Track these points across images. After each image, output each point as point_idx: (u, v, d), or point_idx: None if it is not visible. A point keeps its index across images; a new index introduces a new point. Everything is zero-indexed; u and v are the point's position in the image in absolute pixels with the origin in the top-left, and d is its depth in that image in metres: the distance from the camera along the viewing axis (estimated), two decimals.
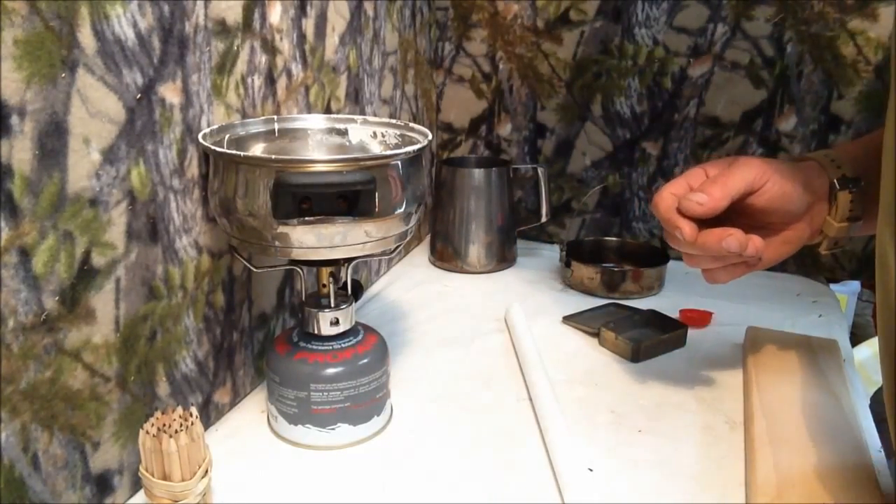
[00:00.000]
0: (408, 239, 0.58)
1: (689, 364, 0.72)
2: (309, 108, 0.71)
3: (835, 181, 0.56)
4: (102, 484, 0.49)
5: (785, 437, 0.55)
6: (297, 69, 0.68)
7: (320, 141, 0.65)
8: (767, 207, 0.55)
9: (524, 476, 0.55)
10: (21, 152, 0.40)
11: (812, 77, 0.90)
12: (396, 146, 0.62)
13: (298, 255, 0.52)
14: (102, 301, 0.47)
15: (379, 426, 0.60)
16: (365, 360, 0.57)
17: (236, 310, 0.63)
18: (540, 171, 0.99)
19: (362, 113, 0.83)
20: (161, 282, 0.53)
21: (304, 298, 0.59)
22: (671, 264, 0.91)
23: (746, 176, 0.54)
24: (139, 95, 0.48)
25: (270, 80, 0.64)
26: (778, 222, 0.57)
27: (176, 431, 0.45)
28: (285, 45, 0.66)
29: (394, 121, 0.64)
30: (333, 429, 0.57)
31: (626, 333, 0.75)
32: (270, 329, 0.68)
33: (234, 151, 0.51)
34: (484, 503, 0.52)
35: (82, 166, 0.44)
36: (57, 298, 0.43)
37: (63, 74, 0.42)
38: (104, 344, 0.47)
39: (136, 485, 0.52)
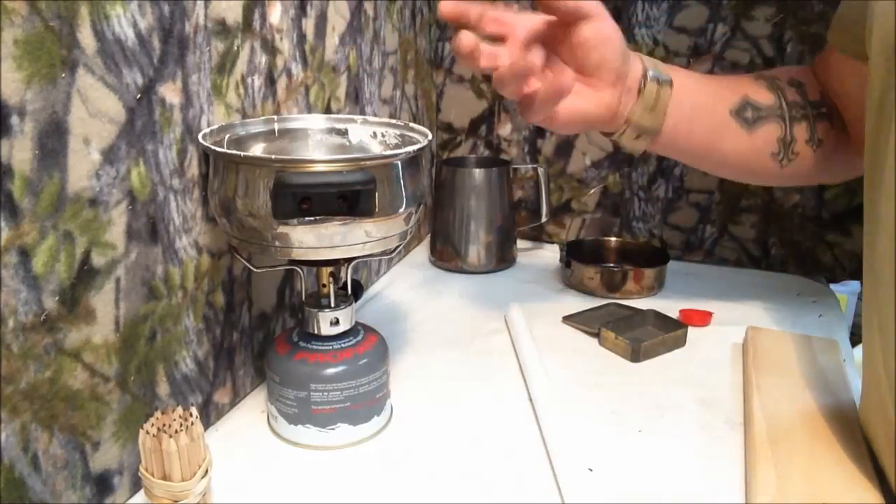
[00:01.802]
0: (408, 239, 0.58)
1: (689, 364, 0.72)
2: (309, 108, 0.71)
3: (647, 69, 0.61)
4: (102, 484, 0.49)
5: (785, 437, 0.55)
6: (297, 69, 0.68)
7: (320, 141, 0.65)
8: (588, 42, 0.57)
9: (524, 476, 0.55)
10: (21, 152, 0.40)
11: None
12: (396, 146, 0.62)
13: (298, 255, 0.52)
14: (102, 301, 0.47)
15: (379, 426, 0.60)
16: (365, 360, 0.57)
17: (236, 310, 0.63)
18: (540, 171, 1.00)
19: (362, 113, 0.83)
20: (161, 282, 0.53)
21: (304, 298, 0.59)
22: (671, 264, 0.91)
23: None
24: (139, 95, 0.48)
25: (270, 80, 0.64)
26: (591, 68, 0.58)
27: (176, 431, 0.45)
28: (285, 45, 0.66)
29: (394, 121, 0.64)
30: (333, 429, 0.57)
31: (626, 333, 0.75)
32: (270, 329, 0.68)
33: (234, 151, 0.51)
34: (484, 503, 0.52)
35: (82, 166, 0.44)
36: (57, 298, 0.43)
37: (63, 74, 0.42)
38: (104, 344, 0.47)
39: (136, 485, 0.52)
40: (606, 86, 0.59)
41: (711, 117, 0.64)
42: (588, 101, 0.59)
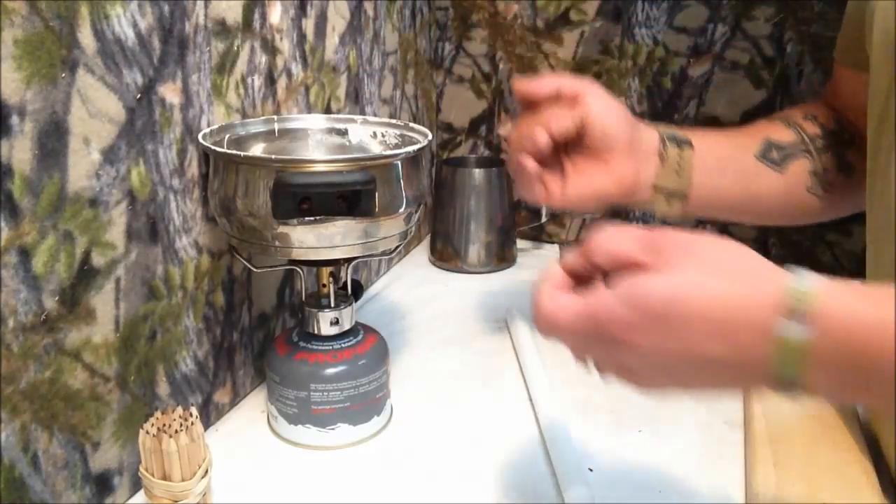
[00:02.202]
0: (408, 239, 0.58)
1: None
2: (309, 108, 0.71)
3: (664, 133, 0.60)
4: (102, 484, 0.49)
5: (785, 437, 0.55)
6: (297, 69, 0.68)
7: (320, 141, 0.65)
8: (588, 119, 0.56)
9: (524, 476, 0.55)
10: (21, 152, 0.40)
11: (812, 77, 0.90)
12: (396, 146, 0.62)
13: (298, 255, 0.52)
14: (102, 301, 0.47)
15: (379, 426, 0.60)
16: (365, 360, 0.57)
17: (236, 310, 0.63)
18: None
19: (362, 113, 0.83)
20: (161, 282, 0.53)
21: (304, 298, 0.59)
22: None
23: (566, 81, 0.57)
24: (139, 95, 0.48)
25: (270, 80, 0.64)
26: (599, 141, 0.57)
27: (176, 431, 0.45)
28: (285, 45, 0.66)
29: (394, 121, 0.64)
30: (333, 429, 0.57)
31: None
32: (270, 329, 0.68)
33: (234, 151, 0.51)
34: (484, 503, 0.52)
35: (82, 166, 0.44)
36: (57, 298, 0.43)
37: (63, 74, 0.42)
38: (104, 344, 0.47)
39: (136, 485, 0.52)
40: (620, 157, 0.57)
41: (738, 167, 0.63)
42: (599, 180, 0.58)
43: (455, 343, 0.77)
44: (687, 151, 0.60)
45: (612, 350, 0.37)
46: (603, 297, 0.36)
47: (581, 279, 0.39)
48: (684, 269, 0.35)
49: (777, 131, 0.64)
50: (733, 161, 0.63)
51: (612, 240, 0.37)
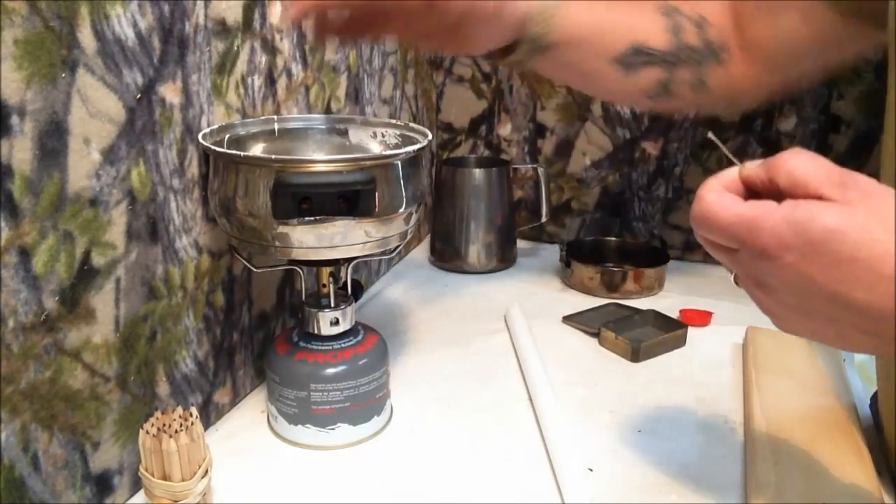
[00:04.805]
0: (408, 239, 0.58)
1: (689, 364, 0.72)
2: (309, 108, 0.71)
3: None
4: (102, 484, 0.49)
5: (785, 437, 0.55)
6: (297, 69, 0.68)
7: (320, 141, 0.65)
8: None
9: (524, 476, 0.55)
10: (21, 152, 0.40)
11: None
12: (396, 146, 0.62)
13: (298, 255, 0.52)
14: (102, 301, 0.47)
15: (379, 426, 0.60)
16: (365, 360, 0.57)
17: (236, 310, 0.63)
18: (540, 171, 0.99)
19: (362, 113, 0.83)
20: (161, 282, 0.53)
21: (304, 298, 0.59)
22: (671, 264, 0.91)
23: None
24: (139, 95, 0.48)
25: (270, 80, 0.64)
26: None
27: (176, 431, 0.45)
28: (285, 45, 0.66)
29: (394, 121, 0.64)
30: (333, 429, 0.57)
31: (626, 333, 0.75)
32: (270, 329, 0.68)
33: (234, 151, 0.51)
34: (484, 503, 0.52)
35: (82, 166, 0.44)
36: (57, 298, 0.43)
37: (63, 74, 0.42)
38: (104, 344, 0.47)
39: (136, 485, 0.52)
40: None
41: (586, 64, 0.58)
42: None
43: (455, 343, 0.77)
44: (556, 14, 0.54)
45: (758, 263, 0.36)
46: (769, 209, 0.35)
47: (754, 194, 0.38)
48: (857, 209, 0.34)
49: (654, 35, 0.58)
50: (583, 62, 0.58)
51: (802, 163, 0.36)
